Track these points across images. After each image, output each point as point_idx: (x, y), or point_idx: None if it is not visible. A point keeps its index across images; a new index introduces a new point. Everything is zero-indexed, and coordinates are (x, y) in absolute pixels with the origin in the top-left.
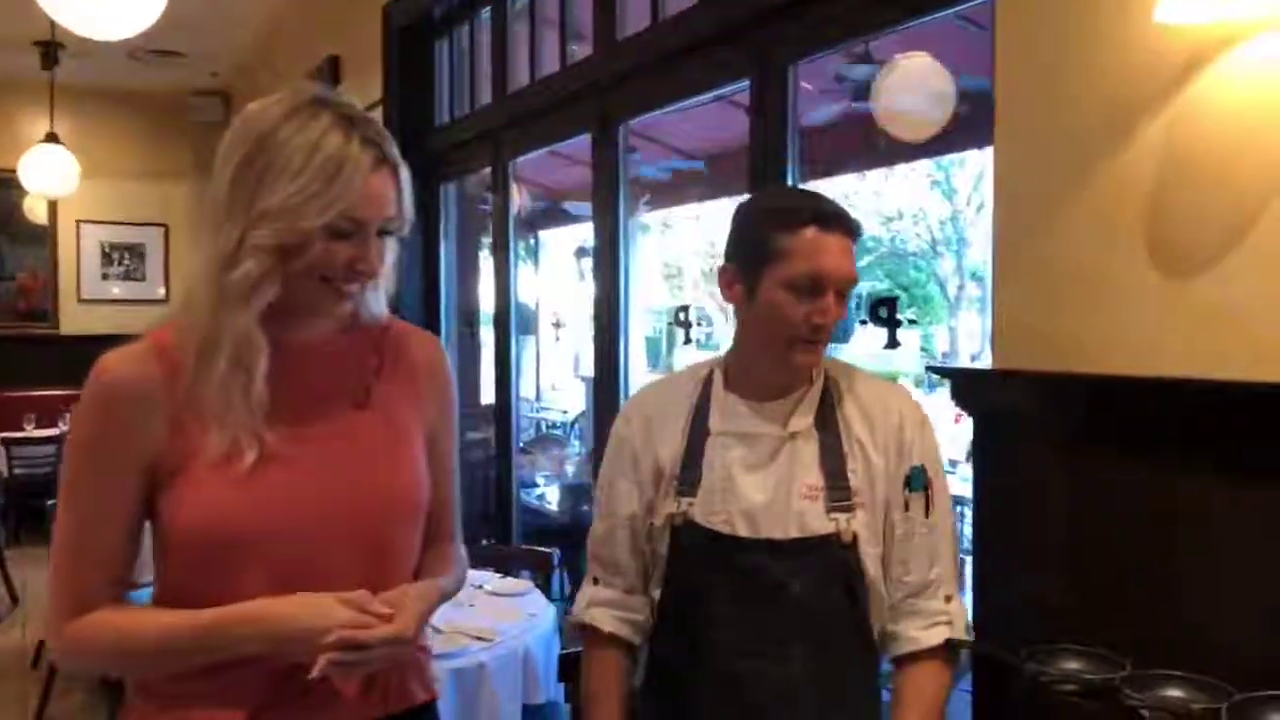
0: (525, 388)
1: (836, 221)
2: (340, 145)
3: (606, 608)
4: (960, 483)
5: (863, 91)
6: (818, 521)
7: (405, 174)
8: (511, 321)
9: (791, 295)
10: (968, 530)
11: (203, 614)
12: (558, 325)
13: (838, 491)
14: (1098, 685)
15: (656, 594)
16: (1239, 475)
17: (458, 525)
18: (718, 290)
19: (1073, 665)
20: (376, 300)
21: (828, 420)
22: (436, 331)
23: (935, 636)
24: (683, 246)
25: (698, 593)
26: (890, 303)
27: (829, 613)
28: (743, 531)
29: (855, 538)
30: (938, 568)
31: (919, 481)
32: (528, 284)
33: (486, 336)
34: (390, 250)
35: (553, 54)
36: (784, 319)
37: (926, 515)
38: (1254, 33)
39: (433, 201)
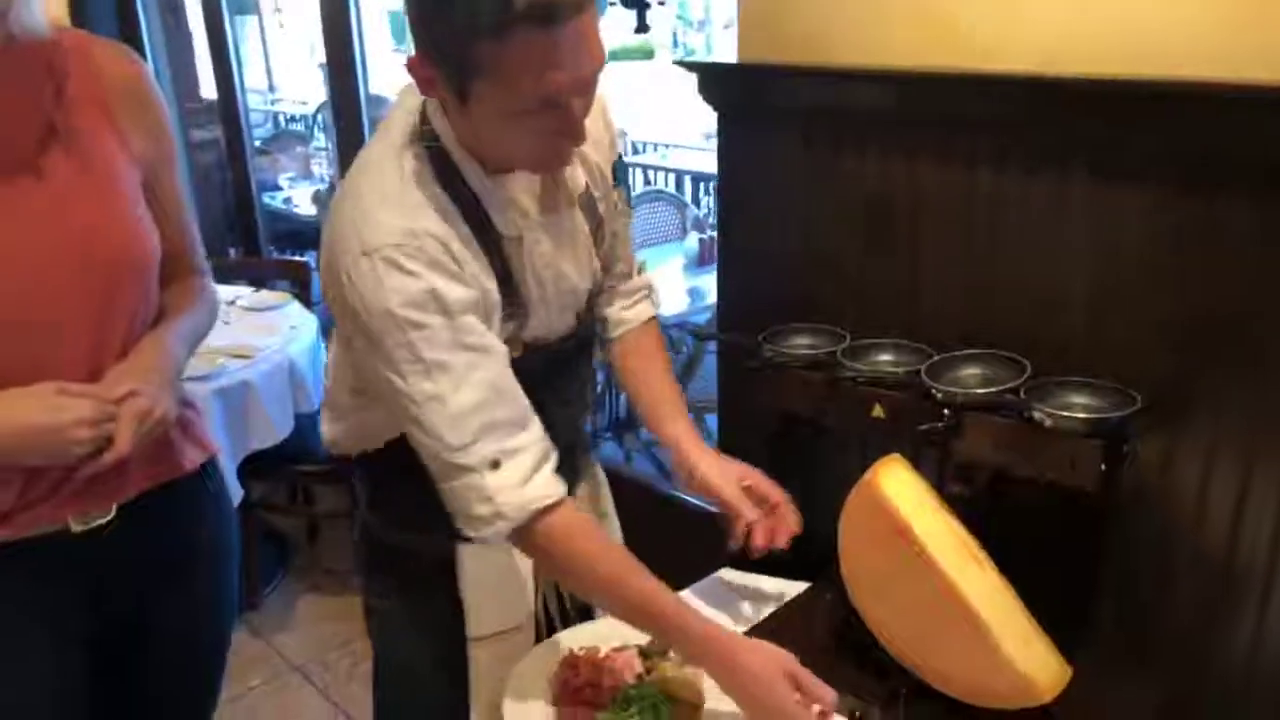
0: (254, 78)
1: (564, 9)
2: None
3: (536, 474)
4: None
5: None
6: (595, 265)
7: None
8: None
9: (521, 121)
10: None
11: None
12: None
13: (598, 230)
14: (821, 358)
15: None
16: (957, 162)
17: (200, 258)
18: None
19: (801, 341)
20: (29, 9)
21: None
22: (133, 21)
23: (644, 312)
24: None
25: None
26: None
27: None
28: (571, 324)
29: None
30: (632, 250)
31: (623, 172)
32: None
33: (196, 21)
34: None
35: None
36: (518, 149)
37: (627, 204)
38: None
39: None
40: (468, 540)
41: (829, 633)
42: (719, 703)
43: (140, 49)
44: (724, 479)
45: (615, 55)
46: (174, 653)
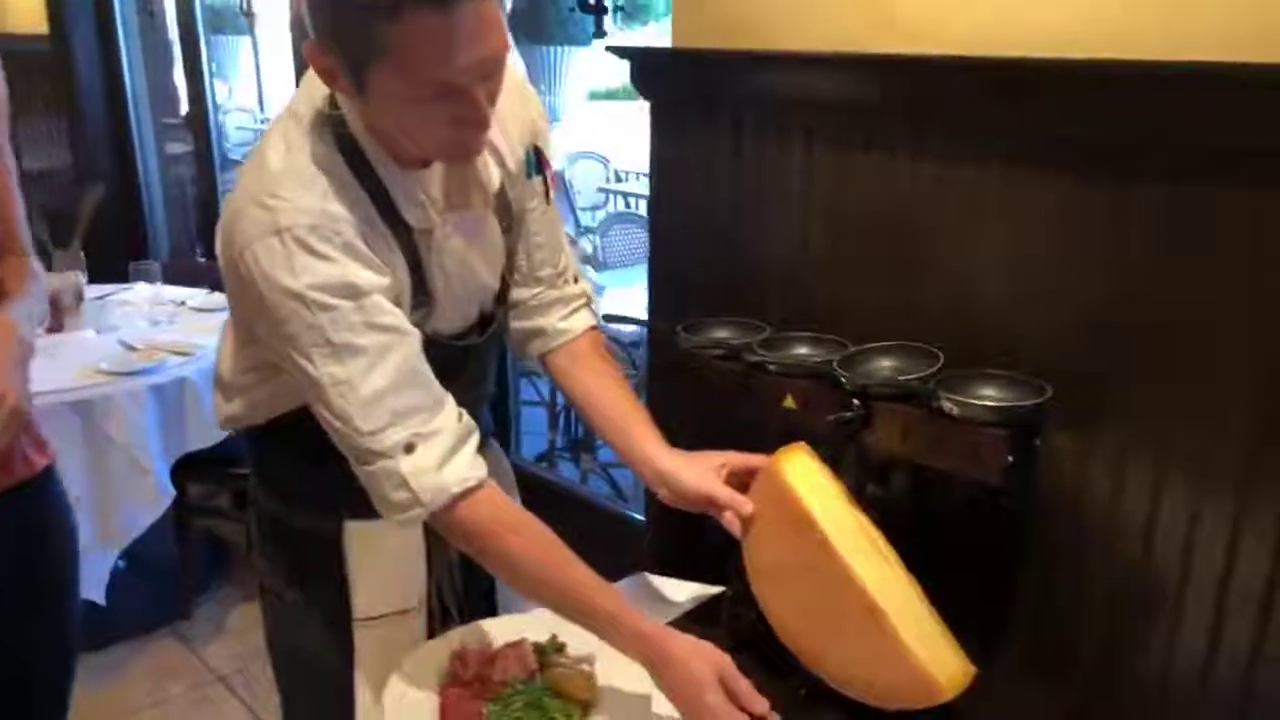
0: (243, 95)
1: None
2: None
3: (455, 456)
4: None
5: None
6: (501, 260)
7: None
8: (198, 17)
9: (420, 109)
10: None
11: None
12: (249, 13)
13: (505, 220)
14: (737, 348)
15: None
16: (878, 150)
17: (25, 240)
18: None
19: (721, 334)
20: None
21: None
22: (112, 41)
23: (583, 320)
24: None
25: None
26: None
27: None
28: (473, 319)
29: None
30: (564, 253)
31: (536, 164)
32: None
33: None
34: None
35: None
36: (423, 138)
37: (548, 200)
38: None
39: None
40: (355, 517)
41: (730, 631)
42: (613, 702)
43: (119, 68)
44: (705, 480)
45: (613, 95)
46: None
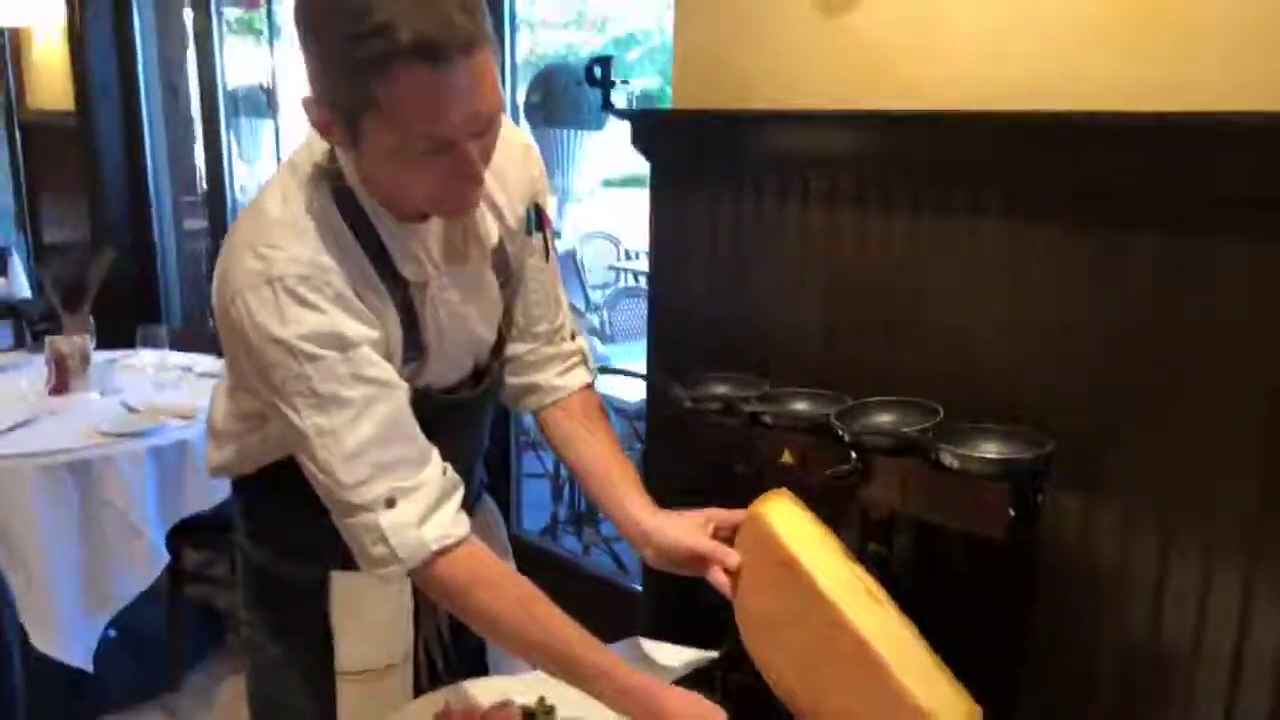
0: (264, 176)
1: (452, 49)
2: None
3: (436, 512)
4: None
5: None
6: (498, 315)
7: None
8: (219, 101)
9: (412, 162)
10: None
11: None
12: (269, 92)
13: (503, 275)
14: (735, 402)
15: None
16: (879, 205)
17: None
18: None
19: (719, 389)
20: None
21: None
22: (136, 108)
23: (578, 378)
24: None
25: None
26: (605, 62)
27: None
28: (466, 373)
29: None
30: (561, 309)
31: (537, 222)
32: (255, 60)
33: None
34: None
35: None
36: (416, 191)
37: (546, 258)
38: None
39: None
40: (343, 568)
41: (724, 694)
42: None
43: (142, 145)
44: (689, 535)
45: (627, 182)
46: None
